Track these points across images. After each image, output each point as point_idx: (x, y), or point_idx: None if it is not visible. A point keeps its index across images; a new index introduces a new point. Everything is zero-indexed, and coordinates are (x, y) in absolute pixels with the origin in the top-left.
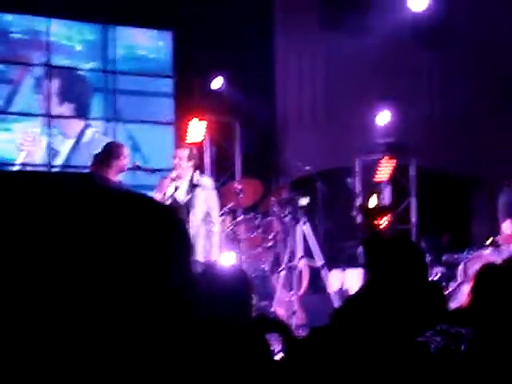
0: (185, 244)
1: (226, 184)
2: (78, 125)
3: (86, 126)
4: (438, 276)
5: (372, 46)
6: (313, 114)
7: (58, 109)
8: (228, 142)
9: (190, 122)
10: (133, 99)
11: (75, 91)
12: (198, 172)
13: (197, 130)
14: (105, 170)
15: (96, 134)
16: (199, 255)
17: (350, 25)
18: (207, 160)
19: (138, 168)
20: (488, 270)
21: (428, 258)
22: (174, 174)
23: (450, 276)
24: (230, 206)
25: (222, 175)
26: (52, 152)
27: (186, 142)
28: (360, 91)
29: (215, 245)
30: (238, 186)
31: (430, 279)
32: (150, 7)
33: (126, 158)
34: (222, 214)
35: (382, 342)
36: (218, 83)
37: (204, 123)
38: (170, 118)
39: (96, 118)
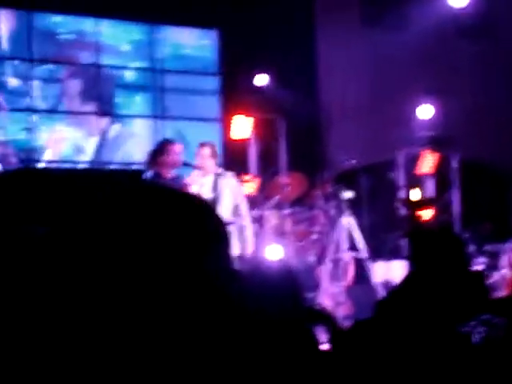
0: (222, 237)
1: (272, 178)
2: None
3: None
4: (480, 266)
5: (414, 40)
6: (356, 108)
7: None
8: (273, 137)
9: (234, 119)
10: (180, 97)
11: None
12: (221, 168)
13: (243, 126)
14: (156, 166)
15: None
16: (233, 249)
17: (391, 20)
18: (253, 156)
19: (186, 164)
20: None
21: (471, 249)
22: (197, 172)
23: (492, 266)
24: (276, 199)
25: (268, 170)
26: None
27: (232, 137)
28: (403, 85)
29: (248, 238)
30: (283, 180)
31: (472, 269)
32: (196, 7)
33: (177, 155)
34: (268, 208)
35: (426, 333)
36: (262, 80)
37: (250, 120)
38: (216, 115)
39: (144, 115)
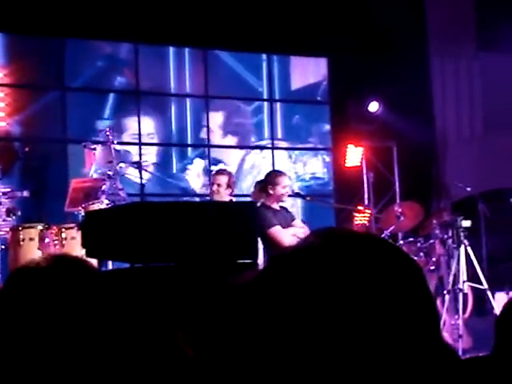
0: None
1: (386, 208)
2: (238, 153)
3: (246, 154)
4: None
5: None
6: (471, 134)
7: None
8: (385, 165)
9: (348, 148)
10: (289, 126)
11: (237, 124)
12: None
13: (354, 155)
14: (264, 197)
15: (256, 161)
16: None
17: (509, 44)
18: (365, 185)
19: (298, 195)
20: None
21: None
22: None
23: None
24: (390, 229)
25: (382, 199)
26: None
27: (346, 166)
28: None
29: None
30: (398, 209)
31: None
32: (305, 36)
33: (285, 187)
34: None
35: None
36: (373, 107)
37: (360, 149)
38: (326, 144)
39: (255, 146)
